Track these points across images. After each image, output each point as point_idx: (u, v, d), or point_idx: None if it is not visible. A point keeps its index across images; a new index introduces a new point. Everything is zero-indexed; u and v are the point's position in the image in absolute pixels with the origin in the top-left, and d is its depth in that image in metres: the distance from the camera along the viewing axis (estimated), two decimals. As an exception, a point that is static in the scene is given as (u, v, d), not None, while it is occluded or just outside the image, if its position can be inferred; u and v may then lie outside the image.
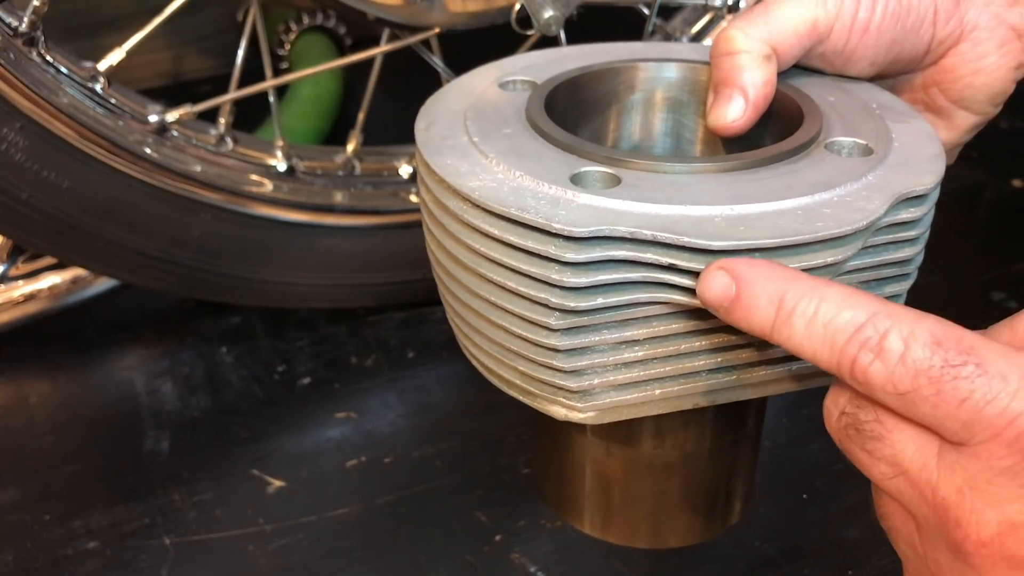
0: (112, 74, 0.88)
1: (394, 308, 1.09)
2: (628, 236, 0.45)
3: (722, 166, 0.49)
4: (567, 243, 0.45)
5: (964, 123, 0.62)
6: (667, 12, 1.13)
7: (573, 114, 0.57)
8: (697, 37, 1.11)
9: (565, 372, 0.50)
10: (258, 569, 0.84)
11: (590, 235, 0.45)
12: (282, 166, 0.99)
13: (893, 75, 0.61)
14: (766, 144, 0.56)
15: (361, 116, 1.04)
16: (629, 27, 1.01)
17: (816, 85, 0.58)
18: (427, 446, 0.95)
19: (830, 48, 0.56)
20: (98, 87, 0.87)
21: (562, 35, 0.93)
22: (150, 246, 0.90)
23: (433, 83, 1.06)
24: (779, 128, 0.56)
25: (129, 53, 0.88)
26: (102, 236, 0.87)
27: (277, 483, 0.92)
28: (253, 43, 0.99)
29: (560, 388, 0.51)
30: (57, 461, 0.93)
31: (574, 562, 0.84)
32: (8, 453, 0.93)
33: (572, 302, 0.47)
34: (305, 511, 0.89)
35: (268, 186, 0.97)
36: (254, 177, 0.97)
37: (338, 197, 1.00)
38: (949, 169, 0.55)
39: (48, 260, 1.00)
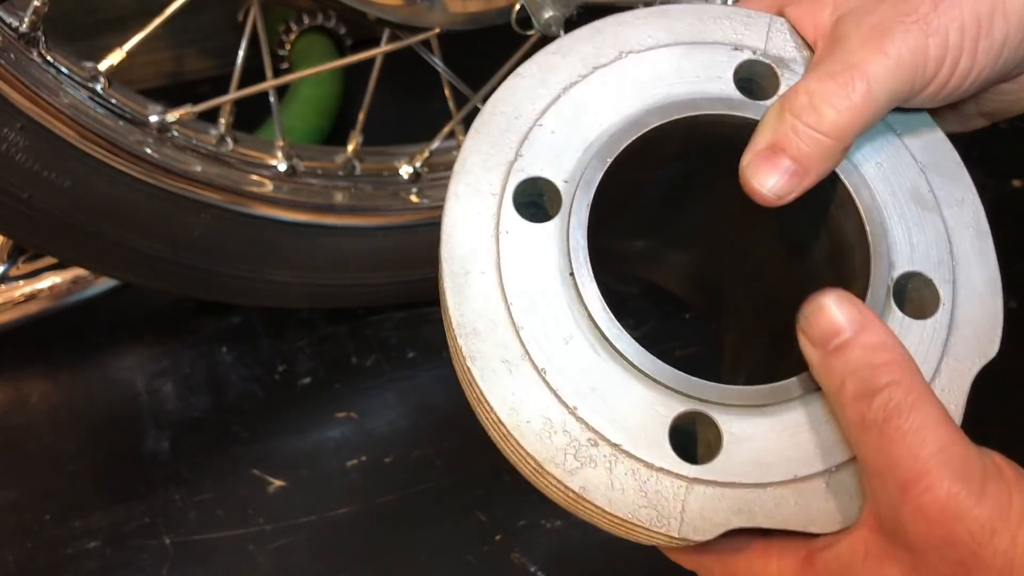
0: (113, 74, 0.88)
1: (394, 308, 1.09)
2: (746, 527, 0.45)
3: (805, 390, 0.47)
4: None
5: (975, 124, 0.62)
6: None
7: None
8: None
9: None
10: (258, 569, 0.85)
11: (712, 537, 0.45)
12: (282, 166, 0.98)
13: None
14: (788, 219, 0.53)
15: (361, 116, 1.04)
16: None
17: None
18: (427, 446, 0.95)
19: (913, 103, 0.53)
20: (99, 87, 0.87)
21: (562, 35, 0.93)
22: (151, 246, 0.90)
23: (433, 83, 1.07)
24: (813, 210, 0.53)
25: (130, 53, 0.88)
26: (103, 236, 0.87)
27: (277, 483, 0.92)
28: (254, 43, 0.99)
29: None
30: (57, 461, 0.93)
31: (574, 562, 0.85)
32: (8, 453, 0.93)
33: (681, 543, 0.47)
34: (305, 511, 0.89)
35: (268, 186, 0.97)
36: (255, 177, 0.97)
37: (338, 197, 1.00)
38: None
39: (48, 260, 0.99)
